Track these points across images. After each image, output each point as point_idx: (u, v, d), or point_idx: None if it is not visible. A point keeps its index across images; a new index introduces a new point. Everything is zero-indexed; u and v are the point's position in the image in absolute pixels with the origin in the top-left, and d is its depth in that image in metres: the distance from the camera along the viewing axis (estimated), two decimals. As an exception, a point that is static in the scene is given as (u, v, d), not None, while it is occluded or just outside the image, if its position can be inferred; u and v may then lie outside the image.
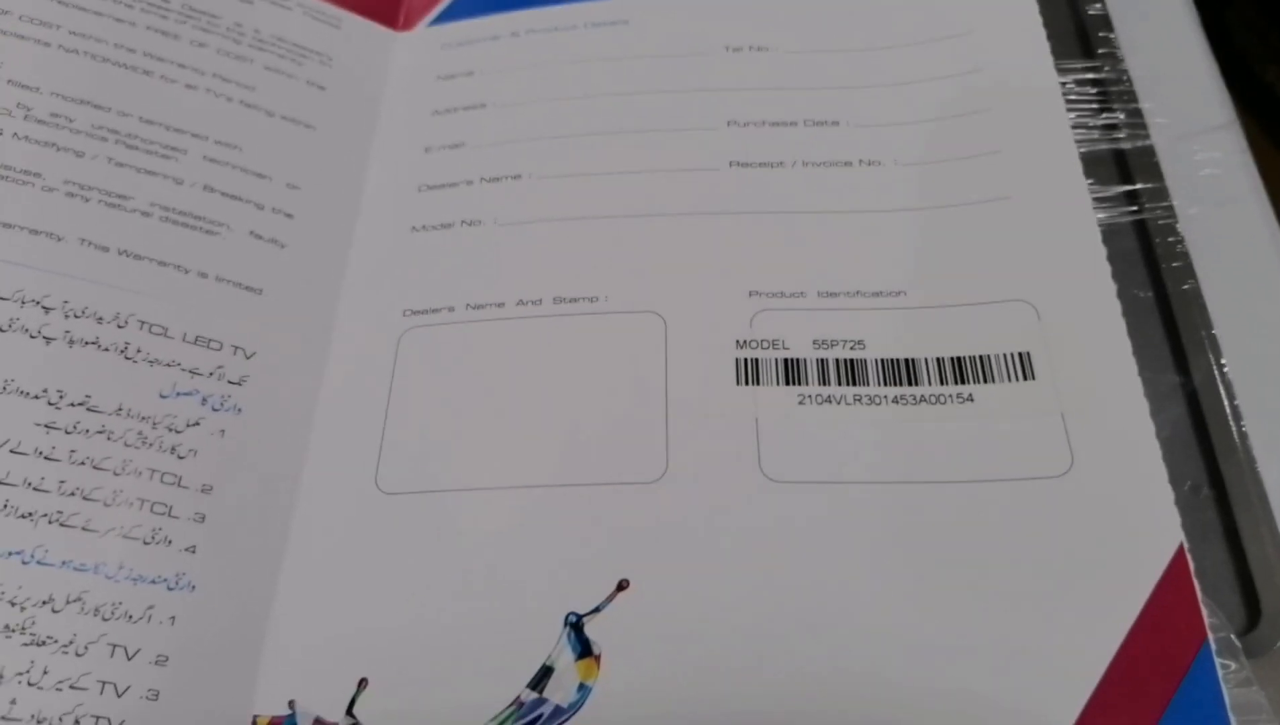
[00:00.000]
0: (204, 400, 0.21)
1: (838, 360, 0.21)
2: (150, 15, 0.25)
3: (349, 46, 0.28)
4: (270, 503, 0.20)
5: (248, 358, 0.22)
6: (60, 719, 0.17)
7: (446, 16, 0.29)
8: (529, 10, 0.28)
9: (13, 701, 0.17)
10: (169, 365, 0.21)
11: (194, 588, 0.19)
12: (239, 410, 0.21)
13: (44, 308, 0.20)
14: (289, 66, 0.26)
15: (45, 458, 0.19)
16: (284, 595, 0.20)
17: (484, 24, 0.28)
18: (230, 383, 0.21)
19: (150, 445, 0.20)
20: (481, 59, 0.28)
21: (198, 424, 0.20)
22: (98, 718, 0.17)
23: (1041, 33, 0.26)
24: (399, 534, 0.20)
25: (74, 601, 0.18)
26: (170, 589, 0.19)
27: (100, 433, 0.19)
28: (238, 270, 0.23)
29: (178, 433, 0.20)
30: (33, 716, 0.17)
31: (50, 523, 0.18)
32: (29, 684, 0.17)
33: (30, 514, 0.18)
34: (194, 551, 0.19)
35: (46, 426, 0.19)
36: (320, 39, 0.28)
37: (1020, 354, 0.21)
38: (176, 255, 0.22)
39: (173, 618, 0.18)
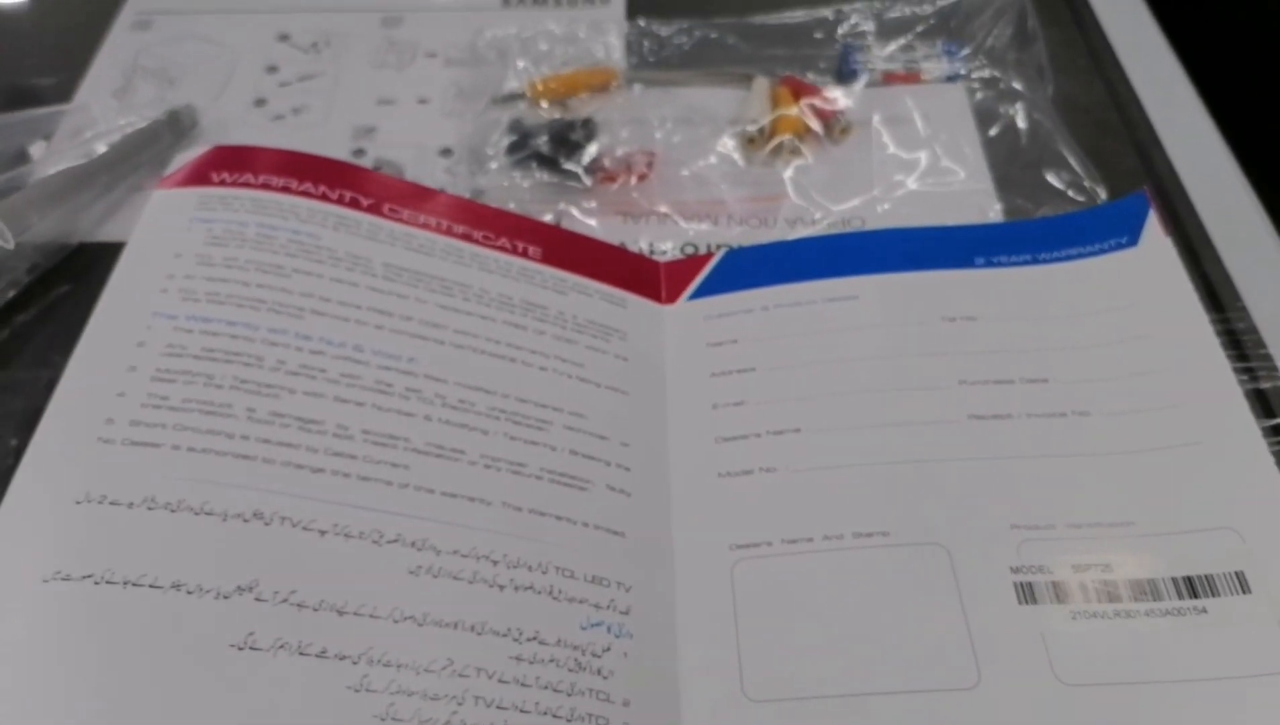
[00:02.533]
0: (609, 629, 0.27)
1: (1095, 582, 0.27)
2: (504, 311, 0.33)
3: (635, 321, 0.35)
4: (669, 711, 0.26)
5: (627, 591, 0.28)
6: None
7: (701, 292, 0.36)
8: (773, 287, 0.36)
9: None
10: (580, 602, 0.27)
11: (635, 785, 0.24)
12: (631, 636, 0.27)
13: (491, 561, 0.27)
14: (601, 343, 0.34)
15: (521, 684, 0.25)
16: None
17: (737, 299, 0.36)
18: (621, 613, 0.27)
19: (584, 669, 0.26)
20: (742, 329, 0.35)
21: (609, 649, 0.26)
22: None
23: (1195, 299, 0.33)
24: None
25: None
26: (621, 787, 0.24)
27: (551, 661, 0.25)
28: (604, 518, 0.29)
29: (598, 657, 0.26)
30: None
31: None
32: None
33: None
34: (630, 754, 0.25)
35: (516, 658, 0.25)
36: (615, 317, 0.35)
37: (1237, 573, 0.27)
38: (565, 509, 0.29)
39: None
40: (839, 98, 0.41)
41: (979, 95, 0.43)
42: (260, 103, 0.45)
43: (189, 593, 0.23)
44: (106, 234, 0.40)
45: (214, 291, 0.29)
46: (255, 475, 0.26)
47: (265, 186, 0.33)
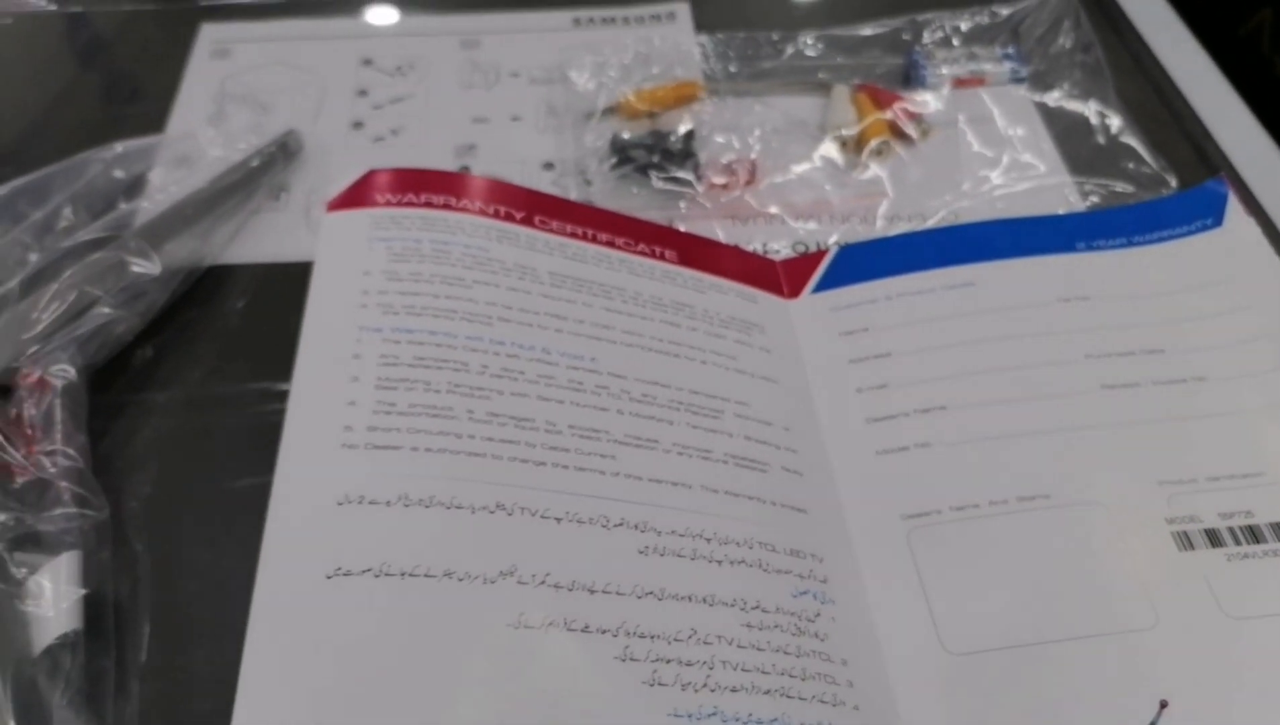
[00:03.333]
0: (814, 596, 0.29)
1: (1240, 527, 0.30)
2: (658, 311, 0.35)
3: (768, 315, 0.37)
4: (878, 667, 0.28)
5: (820, 562, 0.30)
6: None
7: (822, 286, 0.39)
8: (892, 278, 0.38)
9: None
10: (786, 573, 0.29)
11: (865, 735, 0.26)
12: (834, 602, 0.29)
13: (704, 539, 0.28)
14: (745, 337, 0.36)
15: (756, 649, 0.27)
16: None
17: (859, 290, 0.38)
18: (820, 582, 0.29)
19: (804, 633, 0.28)
20: (870, 318, 0.37)
21: (819, 615, 0.28)
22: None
23: (1284, 276, 0.37)
24: (972, 686, 0.28)
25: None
26: (856, 737, 0.26)
27: (775, 627, 0.27)
28: (786, 496, 0.31)
29: (812, 622, 0.28)
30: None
31: (759, 693, 0.26)
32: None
33: (739, 688, 0.26)
34: (858, 709, 0.27)
35: (747, 625, 0.27)
36: (751, 312, 0.37)
37: (1363, 510, 0.30)
38: (752, 489, 0.31)
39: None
40: (929, 101, 0.44)
41: (1044, 95, 0.46)
42: (358, 125, 0.47)
43: (460, 579, 0.25)
44: (232, 256, 0.41)
45: (409, 304, 0.31)
46: (488, 471, 0.27)
47: (428, 205, 0.34)
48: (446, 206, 0.34)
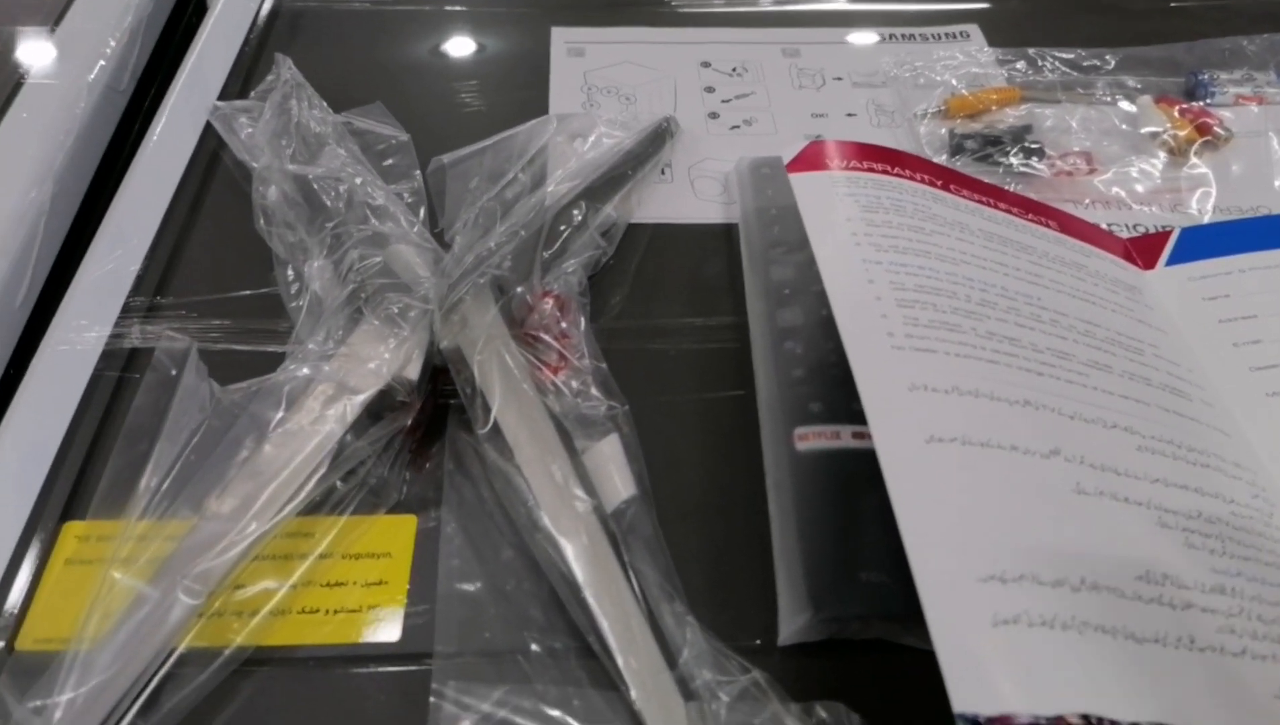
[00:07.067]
0: (1264, 499, 0.33)
1: None
2: (1065, 267, 0.40)
3: (1138, 281, 0.42)
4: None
5: (1255, 474, 0.34)
6: None
7: (1173, 261, 0.44)
8: (1240, 255, 0.43)
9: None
10: (1237, 478, 0.34)
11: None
12: (1277, 506, 0.34)
13: (1175, 444, 0.33)
14: (1132, 296, 0.41)
15: (1247, 532, 0.31)
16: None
17: (1213, 264, 0.43)
18: (1262, 488, 0.34)
19: (1270, 525, 0.32)
20: (1229, 287, 0.42)
21: (1272, 515, 0.33)
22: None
23: None
24: None
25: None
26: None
27: (1250, 518, 0.32)
28: (1211, 420, 0.36)
29: (1270, 517, 0.33)
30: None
31: (1261, 563, 0.30)
32: None
33: (1249, 558, 0.30)
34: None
35: (1232, 513, 0.32)
36: (1127, 277, 0.42)
37: None
38: (1187, 411, 0.35)
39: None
40: (1226, 113, 0.50)
41: (1329, 108, 0.52)
42: (713, 116, 0.53)
43: (1023, 453, 0.30)
44: (642, 216, 0.47)
45: (893, 245, 0.36)
46: (1004, 374, 0.32)
47: (870, 170, 0.40)
48: (885, 171, 0.40)
